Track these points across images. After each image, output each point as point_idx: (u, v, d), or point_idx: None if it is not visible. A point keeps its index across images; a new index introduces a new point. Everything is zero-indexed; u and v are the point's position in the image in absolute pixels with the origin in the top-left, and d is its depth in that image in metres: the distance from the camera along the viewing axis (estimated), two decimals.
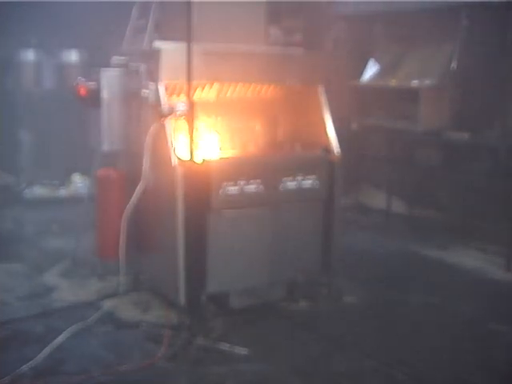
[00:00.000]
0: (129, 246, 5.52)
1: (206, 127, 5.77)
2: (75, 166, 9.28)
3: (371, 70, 8.68)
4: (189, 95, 5.02)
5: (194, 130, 5.05)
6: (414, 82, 7.85)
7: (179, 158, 5.03)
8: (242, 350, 4.70)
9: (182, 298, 5.10)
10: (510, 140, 7.04)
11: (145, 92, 5.26)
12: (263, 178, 5.30)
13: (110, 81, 5.68)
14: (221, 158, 5.49)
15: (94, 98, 5.73)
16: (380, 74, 8.57)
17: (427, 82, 7.72)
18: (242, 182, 5.20)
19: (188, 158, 5.01)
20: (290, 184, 5.46)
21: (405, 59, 8.34)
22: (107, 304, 5.48)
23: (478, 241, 7.20)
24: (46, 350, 4.59)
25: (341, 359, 4.65)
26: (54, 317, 5.23)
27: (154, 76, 5.21)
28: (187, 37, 4.93)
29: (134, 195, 5.41)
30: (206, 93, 5.62)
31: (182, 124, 5.15)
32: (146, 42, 5.57)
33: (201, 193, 5.04)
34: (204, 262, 5.11)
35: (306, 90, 5.96)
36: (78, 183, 9.44)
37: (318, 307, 5.54)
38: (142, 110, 5.40)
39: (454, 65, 7.60)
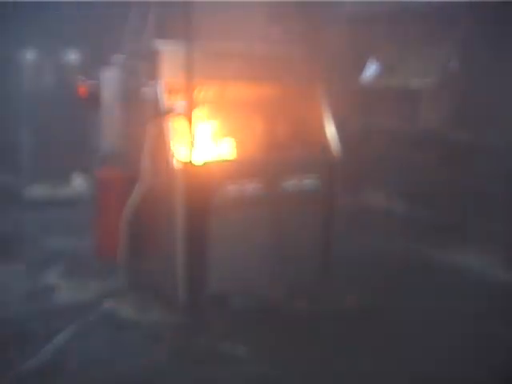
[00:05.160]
0: (129, 245, 5.52)
1: (206, 127, 5.77)
2: (75, 165, 9.29)
3: (371, 70, 8.68)
4: (188, 95, 5.02)
5: (194, 130, 5.05)
6: (414, 82, 7.85)
7: (179, 158, 5.03)
8: (242, 350, 4.70)
9: (182, 298, 5.10)
10: (510, 140, 7.04)
11: (144, 91, 5.26)
12: (263, 179, 5.30)
13: (109, 80, 5.69)
14: (221, 159, 5.49)
15: (94, 98, 5.73)
16: (380, 74, 8.57)
17: (427, 81, 7.71)
18: (242, 183, 5.20)
19: (188, 157, 5.01)
20: (290, 184, 5.46)
21: (405, 59, 8.34)
22: (107, 304, 5.48)
23: (478, 241, 7.19)
24: (46, 350, 4.60)
25: (341, 359, 4.64)
26: (53, 317, 5.23)
27: (153, 75, 5.21)
28: (187, 36, 4.93)
29: (134, 195, 5.41)
30: (205, 92, 5.62)
31: (182, 123, 5.15)
32: (146, 41, 5.57)
33: (201, 193, 5.03)
34: (204, 263, 5.11)
35: (306, 90, 5.96)
36: (78, 183, 9.45)
37: (318, 308, 5.54)
38: (141, 109, 5.40)
39: (453, 65, 7.60)
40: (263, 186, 5.30)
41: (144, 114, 5.36)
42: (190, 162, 5.01)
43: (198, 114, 5.21)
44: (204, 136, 5.69)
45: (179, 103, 5.09)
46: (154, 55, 5.20)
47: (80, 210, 7.49)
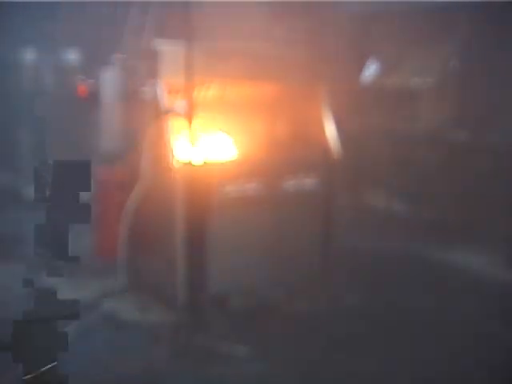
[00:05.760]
0: (129, 245, 5.51)
1: (206, 127, 5.76)
2: None
3: (371, 70, 8.68)
4: (188, 95, 5.01)
5: (194, 130, 5.04)
6: (414, 82, 7.84)
7: (179, 158, 5.03)
8: (242, 350, 4.70)
9: (182, 298, 5.09)
10: (510, 139, 7.04)
11: (144, 91, 5.26)
12: (263, 178, 5.30)
13: (109, 80, 5.69)
14: (221, 159, 5.49)
15: (94, 98, 5.74)
16: (380, 74, 8.56)
17: (427, 81, 7.71)
18: (242, 183, 5.19)
19: (187, 157, 5.01)
20: (290, 184, 5.45)
21: (405, 59, 8.34)
22: (107, 304, 5.47)
23: (478, 241, 7.19)
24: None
25: (341, 359, 4.64)
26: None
27: (153, 75, 5.21)
28: (187, 35, 4.93)
29: (134, 195, 5.41)
30: (205, 92, 5.62)
31: (182, 123, 5.15)
32: (146, 41, 5.57)
33: (201, 193, 5.03)
34: (204, 262, 5.11)
35: (306, 90, 5.95)
36: None
37: (318, 307, 5.54)
38: (141, 109, 5.40)
39: (453, 64, 7.60)
40: (263, 185, 5.30)
41: (144, 114, 5.35)
42: (190, 161, 5.01)
43: (198, 114, 5.20)
44: (204, 136, 5.68)
45: (179, 103, 5.08)
46: (154, 55, 5.19)
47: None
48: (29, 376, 3.71)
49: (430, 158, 8.04)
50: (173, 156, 5.02)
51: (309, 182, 5.57)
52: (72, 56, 9.62)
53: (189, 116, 5.02)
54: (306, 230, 5.59)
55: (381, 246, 7.27)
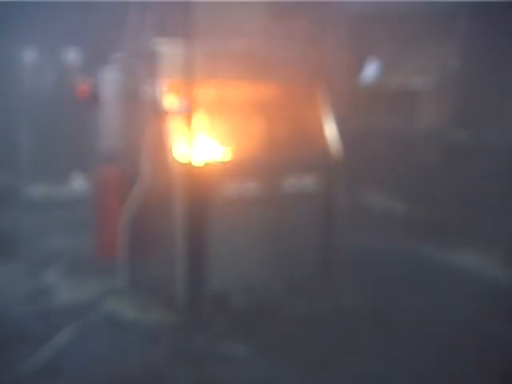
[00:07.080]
0: (129, 245, 5.51)
1: (206, 126, 5.76)
2: (75, 165, 9.29)
3: (371, 70, 8.68)
4: (188, 95, 5.01)
5: (193, 129, 5.04)
6: (414, 82, 7.84)
7: (178, 158, 5.03)
8: (241, 350, 4.70)
9: (182, 298, 5.09)
10: (510, 139, 7.04)
11: (144, 91, 5.26)
12: (263, 178, 5.30)
13: (109, 80, 5.69)
14: (220, 158, 5.49)
15: (94, 98, 5.73)
16: (380, 74, 8.57)
17: (427, 81, 7.72)
18: (241, 182, 5.19)
19: (187, 157, 5.01)
20: (290, 184, 5.45)
21: (404, 59, 8.34)
22: (107, 303, 5.47)
23: (478, 240, 7.19)
24: (46, 350, 4.59)
25: (341, 359, 4.64)
26: (53, 317, 5.23)
27: (153, 75, 5.20)
28: (187, 35, 4.93)
29: (133, 194, 5.41)
30: (205, 91, 5.62)
31: (182, 123, 5.14)
32: (146, 41, 5.57)
33: (200, 193, 5.03)
34: (204, 262, 5.11)
35: (306, 90, 5.95)
36: (78, 183, 9.45)
37: (318, 307, 5.54)
38: (141, 109, 5.40)
39: (453, 64, 7.60)
40: (263, 185, 5.30)
41: (144, 114, 5.35)
42: (190, 161, 5.01)
43: (198, 113, 5.20)
44: (204, 136, 5.69)
45: (179, 103, 5.08)
46: (154, 55, 5.19)
47: (80, 209, 7.49)
48: None
49: (429, 158, 8.04)
50: (172, 156, 5.02)
51: (309, 181, 5.57)
52: (72, 56, 9.62)
53: (189, 116, 5.02)
54: (306, 229, 5.59)
55: (381, 245, 7.28)
